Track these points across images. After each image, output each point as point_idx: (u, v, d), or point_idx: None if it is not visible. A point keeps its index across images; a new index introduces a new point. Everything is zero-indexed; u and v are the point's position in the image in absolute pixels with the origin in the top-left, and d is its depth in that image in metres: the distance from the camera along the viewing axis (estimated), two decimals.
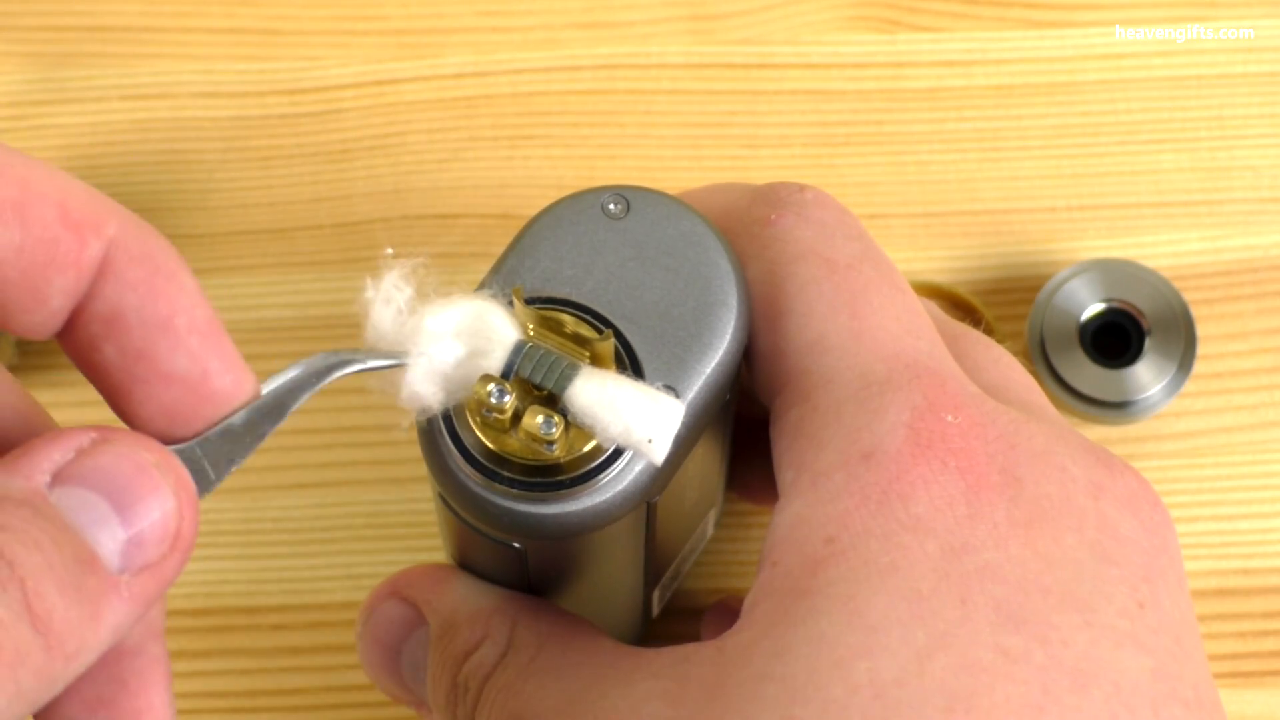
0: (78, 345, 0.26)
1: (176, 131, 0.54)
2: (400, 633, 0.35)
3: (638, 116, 0.54)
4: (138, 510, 0.25)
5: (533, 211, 0.39)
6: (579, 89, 0.54)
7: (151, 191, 0.53)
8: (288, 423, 0.51)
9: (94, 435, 0.25)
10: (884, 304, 0.30)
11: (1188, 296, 0.51)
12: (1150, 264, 0.51)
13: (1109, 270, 0.50)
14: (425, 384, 0.32)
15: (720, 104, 0.54)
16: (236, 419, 0.27)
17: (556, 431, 0.32)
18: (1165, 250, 0.52)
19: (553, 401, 0.32)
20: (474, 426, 0.34)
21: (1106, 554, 0.27)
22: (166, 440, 0.26)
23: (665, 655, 0.27)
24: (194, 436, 0.27)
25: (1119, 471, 0.29)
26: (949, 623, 0.24)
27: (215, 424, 0.27)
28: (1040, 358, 0.49)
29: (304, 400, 0.28)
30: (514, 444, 0.33)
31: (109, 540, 0.24)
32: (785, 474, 0.28)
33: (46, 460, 0.24)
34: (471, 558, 0.40)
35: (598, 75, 0.54)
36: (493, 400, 0.32)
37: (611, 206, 0.38)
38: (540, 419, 0.32)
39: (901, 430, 0.27)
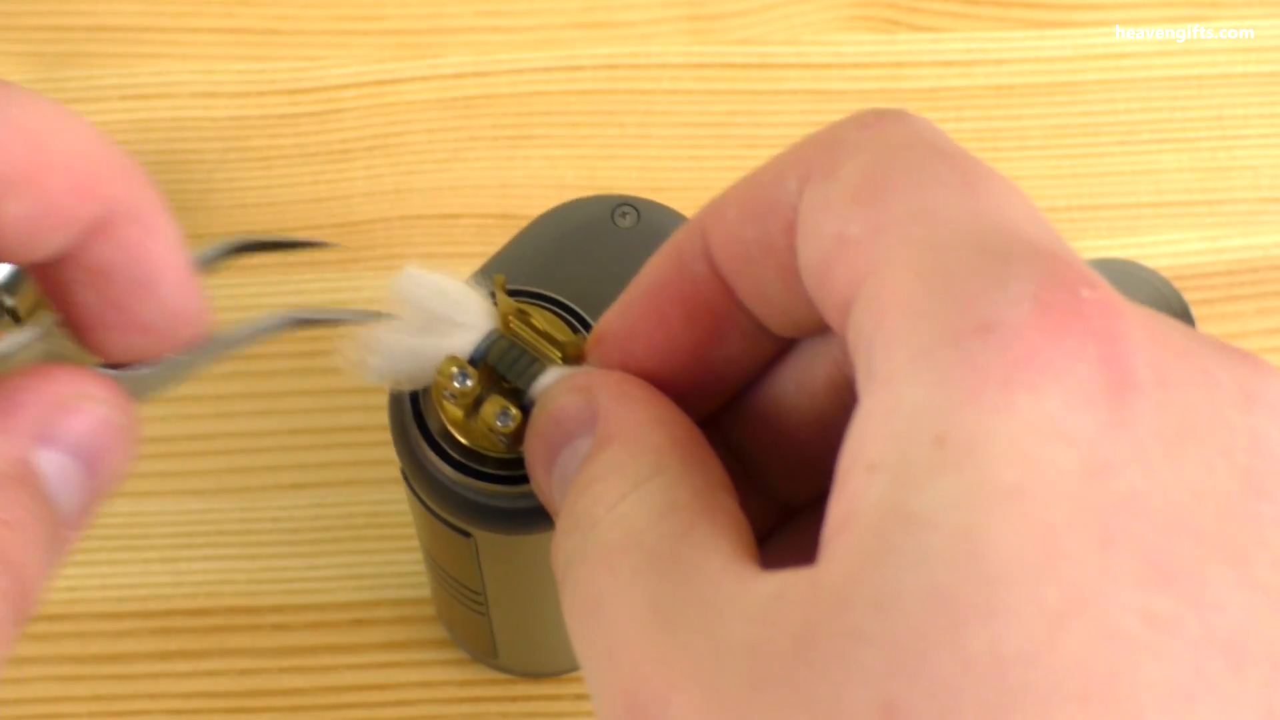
0: (54, 282, 0.26)
1: (176, 131, 0.54)
2: (567, 431, 0.29)
3: (638, 116, 0.54)
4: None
5: (533, 211, 0.39)
6: (579, 89, 0.54)
7: None
8: (288, 422, 0.51)
9: (67, 390, 0.26)
10: (1005, 192, 0.25)
11: (1188, 296, 0.51)
12: (1150, 264, 0.51)
13: (1109, 270, 0.50)
14: (394, 347, 0.31)
15: (720, 104, 0.54)
16: (180, 355, 0.28)
17: (512, 425, 0.31)
18: (1165, 250, 0.52)
19: (518, 395, 0.32)
20: (437, 406, 0.34)
21: (1260, 486, 0.22)
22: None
23: (764, 587, 0.22)
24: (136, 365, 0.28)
25: (1269, 377, 0.23)
26: (1087, 575, 0.20)
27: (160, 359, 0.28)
28: None
29: (246, 342, 0.28)
30: (473, 430, 0.33)
31: (70, 496, 0.26)
32: (875, 356, 0.23)
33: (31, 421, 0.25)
34: (428, 542, 0.40)
35: (598, 75, 0.54)
36: (454, 383, 0.31)
37: (621, 216, 0.38)
38: (498, 410, 0.32)
39: (1027, 302, 0.22)
